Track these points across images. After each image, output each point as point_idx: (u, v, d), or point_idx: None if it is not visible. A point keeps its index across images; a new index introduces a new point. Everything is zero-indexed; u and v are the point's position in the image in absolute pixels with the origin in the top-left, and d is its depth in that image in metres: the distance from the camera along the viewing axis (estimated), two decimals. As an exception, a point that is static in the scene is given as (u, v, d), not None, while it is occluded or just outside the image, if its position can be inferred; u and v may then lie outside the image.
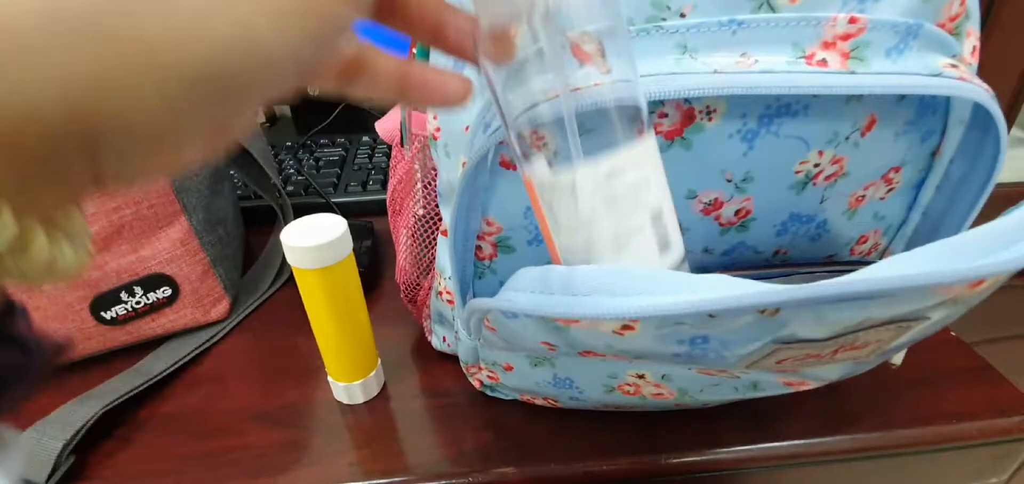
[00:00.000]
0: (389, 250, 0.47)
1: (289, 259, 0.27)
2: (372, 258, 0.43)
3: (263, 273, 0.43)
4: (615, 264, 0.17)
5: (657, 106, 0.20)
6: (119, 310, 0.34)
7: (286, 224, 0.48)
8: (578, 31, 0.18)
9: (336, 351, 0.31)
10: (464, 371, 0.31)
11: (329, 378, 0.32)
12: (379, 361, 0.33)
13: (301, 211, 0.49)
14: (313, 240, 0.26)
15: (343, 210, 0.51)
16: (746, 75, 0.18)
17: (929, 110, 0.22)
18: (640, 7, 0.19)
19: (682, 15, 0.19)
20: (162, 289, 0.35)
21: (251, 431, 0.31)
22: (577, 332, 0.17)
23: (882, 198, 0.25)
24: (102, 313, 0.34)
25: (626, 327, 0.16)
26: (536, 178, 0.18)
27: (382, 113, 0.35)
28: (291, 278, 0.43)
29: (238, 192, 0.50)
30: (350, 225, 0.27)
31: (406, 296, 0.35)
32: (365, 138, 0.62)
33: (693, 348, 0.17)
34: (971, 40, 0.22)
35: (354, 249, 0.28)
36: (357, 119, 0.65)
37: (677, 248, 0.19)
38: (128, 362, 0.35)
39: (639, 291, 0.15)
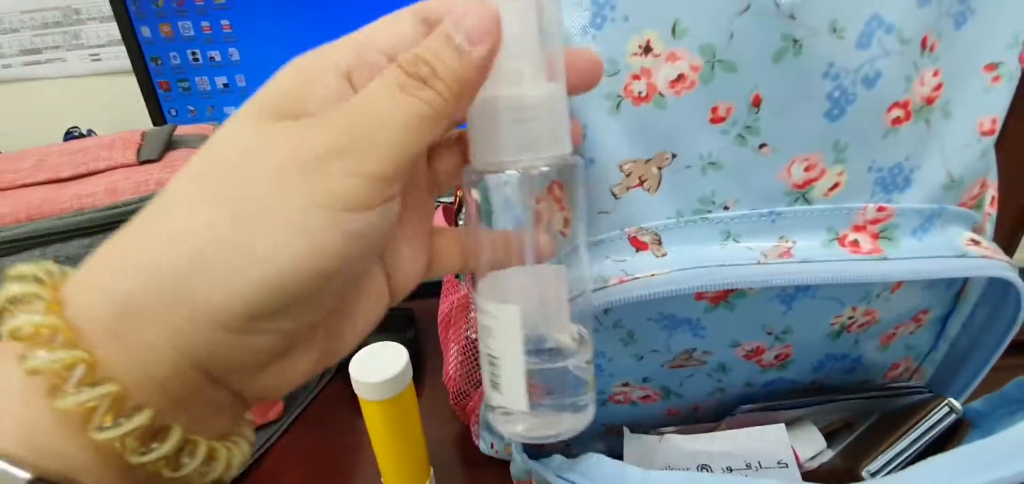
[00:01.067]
0: (431, 336, 0.49)
1: (356, 390, 0.29)
2: (415, 349, 0.45)
3: (313, 368, 0.45)
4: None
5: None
6: (188, 421, 0.36)
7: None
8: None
9: (394, 467, 0.33)
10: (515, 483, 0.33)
11: (385, 488, 0.34)
12: (431, 471, 0.35)
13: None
14: (378, 375, 0.29)
15: (382, 294, 0.53)
16: (787, 265, 0.20)
17: (954, 266, 0.24)
18: (688, 202, 0.21)
19: (726, 208, 0.21)
20: (226, 398, 0.37)
21: (314, 541, 0.33)
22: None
23: (911, 333, 0.27)
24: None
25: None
26: None
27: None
28: (337, 373, 0.45)
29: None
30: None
31: (454, 401, 0.37)
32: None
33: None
34: (990, 192, 0.24)
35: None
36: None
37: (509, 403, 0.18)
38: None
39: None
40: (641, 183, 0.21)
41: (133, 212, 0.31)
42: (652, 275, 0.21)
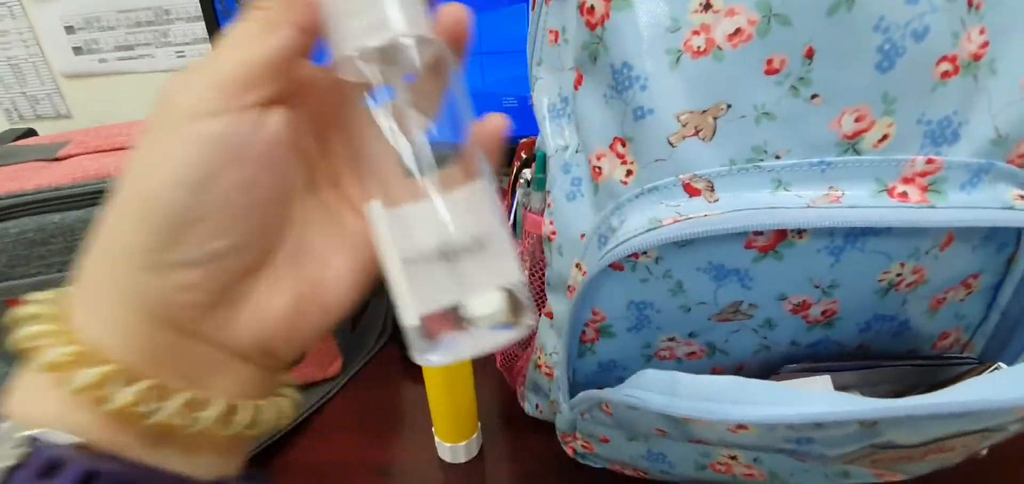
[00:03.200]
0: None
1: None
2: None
3: (368, 332, 0.48)
4: None
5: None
6: (259, 368, 0.40)
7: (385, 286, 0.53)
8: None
9: (446, 417, 0.35)
10: (559, 438, 0.34)
11: (436, 439, 0.37)
12: (479, 425, 0.37)
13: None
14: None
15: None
16: (836, 210, 0.22)
17: (1003, 228, 0.25)
18: (741, 151, 0.23)
19: (777, 157, 0.23)
20: (293, 350, 0.41)
21: (364, 481, 0.36)
22: (696, 427, 0.20)
23: (961, 300, 0.27)
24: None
25: (741, 428, 0.19)
26: None
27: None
28: (392, 338, 0.48)
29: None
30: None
31: (503, 364, 0.39)
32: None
33: (798, 446, 0.20)
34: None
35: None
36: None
37: None
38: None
39: (759, 401, 0.18)
40: (696, 133, 0.23)
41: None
42: (705, 216, 0.22)
